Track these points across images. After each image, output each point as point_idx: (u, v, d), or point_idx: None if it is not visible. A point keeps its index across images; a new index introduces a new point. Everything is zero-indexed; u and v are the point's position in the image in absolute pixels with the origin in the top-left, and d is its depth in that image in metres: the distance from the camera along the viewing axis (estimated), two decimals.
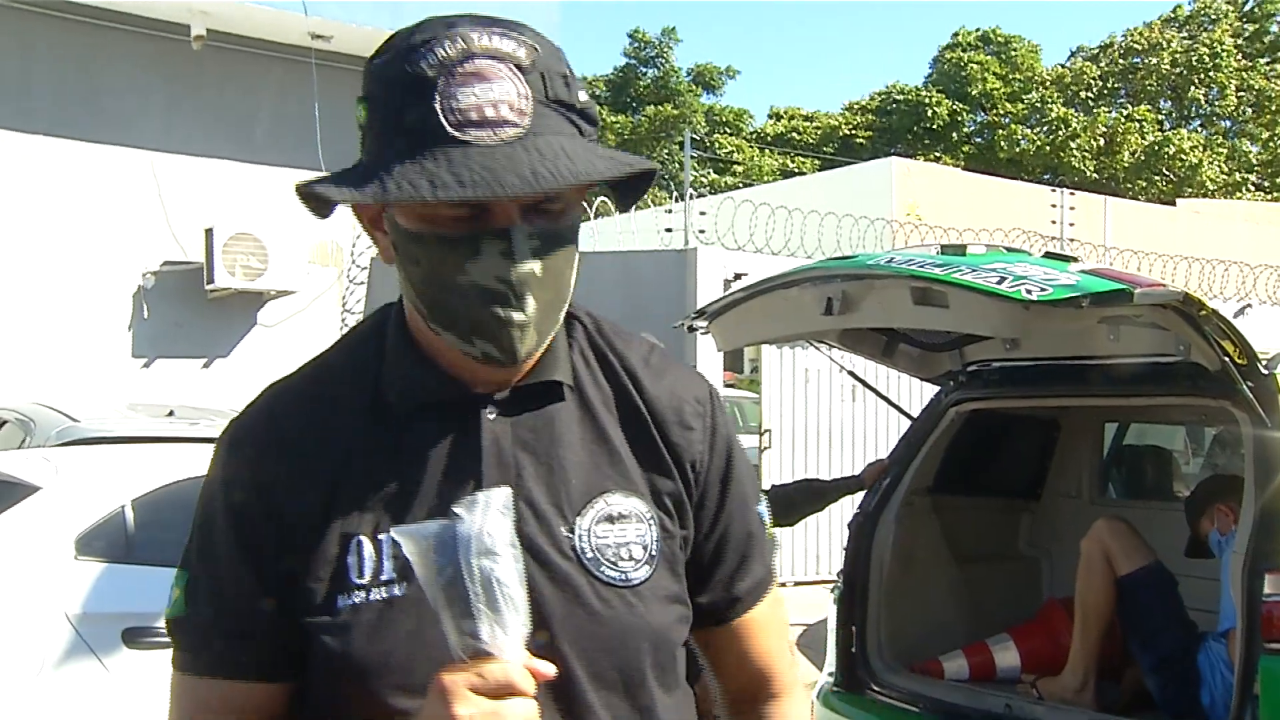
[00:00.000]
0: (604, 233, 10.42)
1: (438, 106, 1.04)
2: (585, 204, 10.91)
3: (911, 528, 4.34)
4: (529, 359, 1.15)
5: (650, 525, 1.19)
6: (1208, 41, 26.97)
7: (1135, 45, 28.28)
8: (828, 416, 9.64)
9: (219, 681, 1.14)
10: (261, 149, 9.25)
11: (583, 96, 1.10)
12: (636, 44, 36.08)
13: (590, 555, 1.15)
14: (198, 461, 4.36)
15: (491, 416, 1.16)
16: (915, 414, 4.56)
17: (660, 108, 33.22)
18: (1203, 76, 26.96)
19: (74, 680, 3.58)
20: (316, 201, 1.12)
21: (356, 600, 1.10)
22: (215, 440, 1.21)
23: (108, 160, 8.70)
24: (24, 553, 3.73)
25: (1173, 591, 4.01)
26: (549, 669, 1.02)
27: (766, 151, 31.71)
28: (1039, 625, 4.45)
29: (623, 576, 1.16)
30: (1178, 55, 26.99)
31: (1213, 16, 28.26)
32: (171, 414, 6.25)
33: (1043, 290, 3.10)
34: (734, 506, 1.26)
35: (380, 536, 1.12)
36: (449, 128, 1.03)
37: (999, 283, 3.18)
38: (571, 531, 1.15)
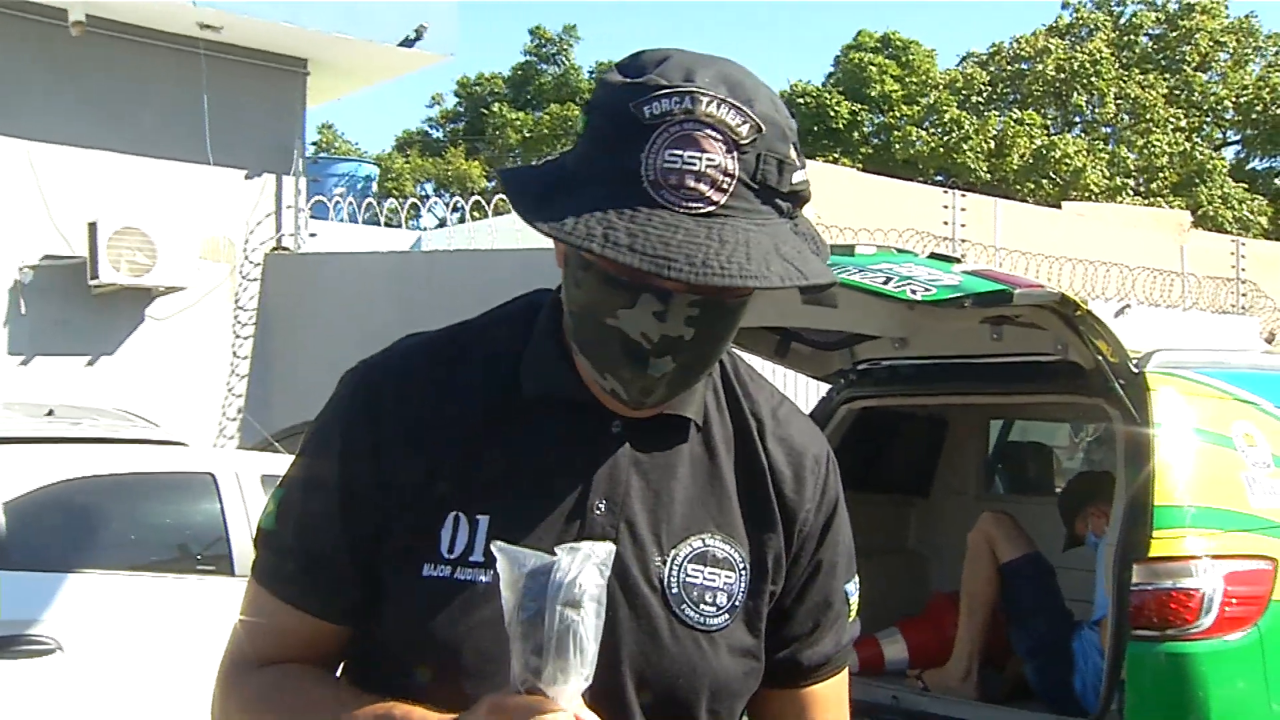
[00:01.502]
0: (502, 230, 10.37)
1: (644, 160, 1.02)
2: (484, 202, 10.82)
3: None
4: (655, 406, 1.14)
5: (741, 575, 1.19)
6: (1087, 50, 27.90)
7: (1022, 52, 29.12)
8: None
9: (284, 605, 1.17)
10: (148, 140, 8.98)
11: (797, 178, 1.07)
12: (537, 41, 35.92)
13: (675, 591, 1.15)
14: (78, 462, 4.23)
15: (616, 430, 1.16)
16: (809, 412, 4.64)
17: (562, 106, 33.13)
18: (1084, 84, 27.86)
19: None
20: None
21: (441, 574, 1.12)
22: (344, 374, 1.21)
23: None
24: None
25: (1050, 580, 4.16)
26: None
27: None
28: (926, 619, 4.56)
29: (701, 620, 1.16)
30: (1061, 62, 27.85)
31: (1090, 27, 29.26)
32: (51, 413, 6.02)
33: (926, 290, 3.18)
34: (822, 572, 1.25)
35: (478, 518, 1.13)
36: (645, 184, 1.01)
37: (885, 283, 3.25)
38: (664, 563, 1.16)
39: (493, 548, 1.02)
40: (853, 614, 1.31)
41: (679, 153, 1.02)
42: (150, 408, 7.23)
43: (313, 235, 9.88)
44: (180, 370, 8.87)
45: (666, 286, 1.04)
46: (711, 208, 1.02)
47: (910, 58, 30.04)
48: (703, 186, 1.01)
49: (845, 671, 1.32)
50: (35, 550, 3.77)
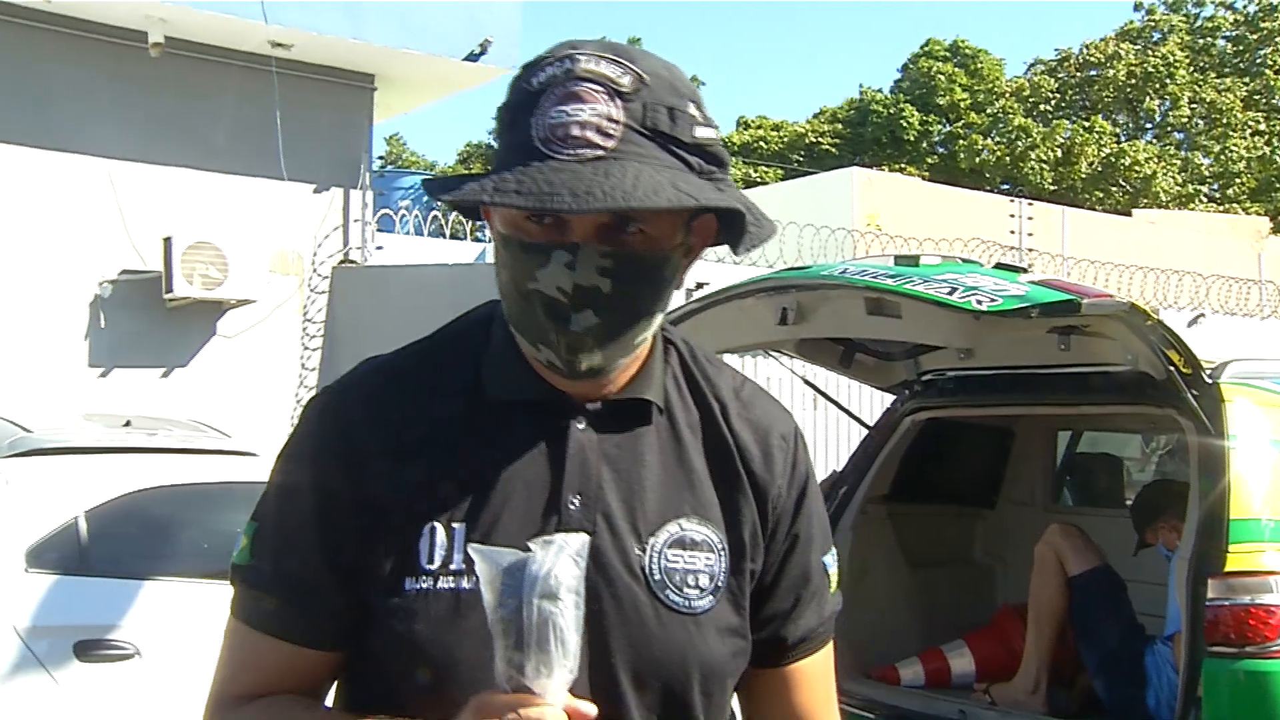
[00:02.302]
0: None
1: (533, 121, 1.07)
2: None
3: (867, 536, 4.39)
4: (599, 376, 1.16)
5: (720, 556, 1.20)
6: (1160, 54, 27.40)
7: (1091, 58, 28.68)
8: None
9: (267, 638, 1.16)
10: (221, 157, 9.18)
11: (701, 134, 1.11)
12: None
13: (657, 577, 1.17)
14: (155, 472, 4.33)
15: (581, 426, 1.18)
16: (872, 423, 4.61)
17: None
18: (1157, 88, 27.37)
19: (23, 694, 3.54)
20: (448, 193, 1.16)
21: (423, 586, 1.12)
22: (305, 404, 1.23)
23: (63, 168, 8.61)
24: None
25: (1120, 594, 4.08)
26: (590, 710, 1.03)
27: (730, 161, 31.70)
28: (993, 631, 4.50)
29: (686, 603, 1.17)
30: (1133, 68, 27.37)
31: (1164, 30, 28.73)
32: (128, 424, 6.18)
33: (992, 300, 3.15)
34: (799, 547, 1.26)
35: (454, 526, 1.13)
36: (536, 141, 1.07)
37: (950, 293, 3.22)
38: (643, 551, 1.17)
39: (470, 550, 1.04)
40: (833, 587, 1.32)
41: (563, 108, 1.07)
42: (221, 418, 7.38)
43: (379, 248, 10.03)
44: (250, 381, 9.05)
45: (576, 239, 1.08)
46: (600, 152, 1.05)
47: (979, 66, 29.73)
48: (589, 134, 1.06)
49: (830, 645, 1.32)
50: (114, 557, 3.87)
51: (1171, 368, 3.39)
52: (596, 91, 1.07)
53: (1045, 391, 4.05)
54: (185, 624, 3.81)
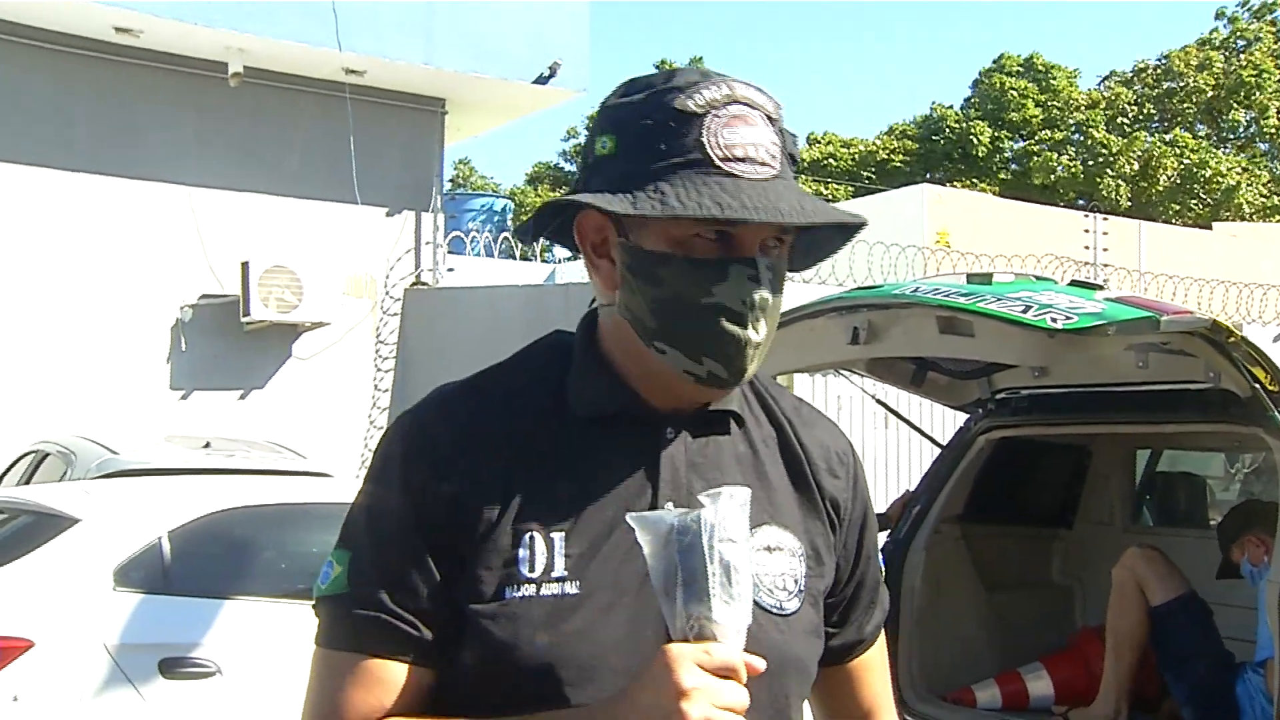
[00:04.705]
0: None
1: (705, 140, 1.13)
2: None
3: (942, 556, 4.33)
4: (739, 384, 1.21)
5: (801, 560, 1.25)
6: (1247, 62, 26.78)
7: (1172, 68, 28.13)
8: (860, 443, 9.61)
9: (374, 660, 1.15)
10: (296, 182, 9.39)
11: (794, 151, 1.21)
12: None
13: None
14: (233, 493, 4.43)
15: (670, 436, 1.22)
16: (945, 442, 4.56)
17: None
18: (1242, 98, 26.75)
19: (112, 710, 3.64)
20: (564, 214, 1.21)
21: (526, 593, 1.13)
22: (386, 429, 1.25)
23: (146, 196, 8.87)
24: (64, 584, 3.79)
25: (1207, 621, 3.97)
26: (760, 663, 1.06)
27: (800, 178, 31.63)
28: (1072, 654, 4.41)
29: (778, 605, 1.21)
30: (1219, 77, 26.79)
31: (1249, 39, 28.10)
32: (208, 446, 6.33)
33: (1068, 319, 3.10)
34: (868, 554, 1.35)
35: (553, 535, 1.15)
36: (718, 160, 1.13)
37: (1024, 311, 3.18)
38: None
39: (629, 519, 1.06)
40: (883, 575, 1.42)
41: (735, 130, 1.13)
42: (297, 440, 7.53)
43: (450, 270, 10.16)
44: (324, 403, 9.21)
45: (748, 253, 1.15)
46: (773, 170, 1.15)
47: (1052, 80, 29.32)
48: (763, 156, 1.14)
49: (883, 634, 1.41)
50: (195, 577, 3.96)
51: (1257, 385, 3.30)
52: (757, 116, 1.15)
53: (1123, 409, 3.97)
54: (263, 643, 3.88)
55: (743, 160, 1.12)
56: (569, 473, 1.18)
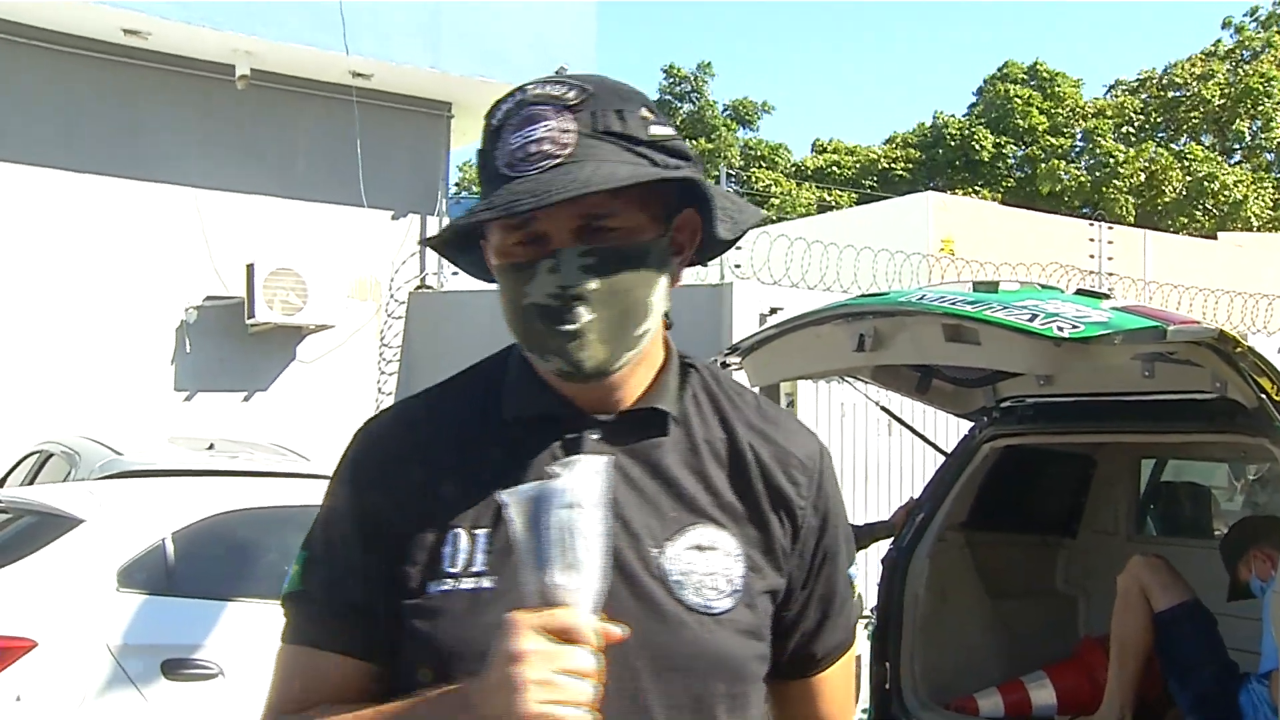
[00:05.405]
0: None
1: (497, 152, 1.19)
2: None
3: (945, 564, 4.32)
4: (607, 373, 1.22)
5: (738, 561, 1.24)
6: (1254, 72, 26.74)
7: (1178, 78, 28.10)
8: (864, 451, 9.59)
9: (322, 653, 1.23)
10: (302, 185, 9.40)
11: (656, 130, 1.20)
12: (671, 79, 36.29)
13: (675, 578, 1.21)
14: (237, 495, 4.43)
15: (595, 437, 1.24)
16: (949, 449, 4.55)
17: (695, 142, 33.37)
18: (1248, 108, 26.72)
19: (114, 711, 3.63)
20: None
21: (446, 587, 1.19)
22: (351, 436, 1.32)
23: (152, 197, 8.87)
24: (67, 584, 3.79)
25: (1212, 629, 3.96)
26: (618, 631, 1.07)
27: (803, 185, 31.73)
28: (1075, 663, 4.41)
29: (704, 603, 1.21)
30: (1225, 87, 26.75)
31: (1255, 49, 28.07)
32: (212, 447, 6.33)
33: (1074, 327, 3.10)
34: (826, 565, 1.31)
35: (477, 532, 1.20)
36: (502, 168, 1.17)
37: (1030, 320, 3.18)
38: (660, 553, 1.21)
39: (500, 496, 1.10)
40: (855, 594, 1.37)
41: (520, 133, 1.17)
42: (300, 442, 7.52)
43: (454, 274, 10.13)
44: (328, 405, 9.20)
45: (555, 248, 1.17)
46: (558, 160, 1.15)
47: (1057, 88, 29.29)
48: (545, 147, 1.16)
49: (852, 651, 1.38)
50: (198, 578, 3.96)
51: (1263, 395, 3.29)
52: (547, 111, 1.17)
53: (1128, 419, 3.96)
54: (266, 645, 3.87)
55: (524, 160, 1.16)
56: (497, 474, 1.20)
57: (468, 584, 1.18)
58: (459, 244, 1.28)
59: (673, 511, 1.23)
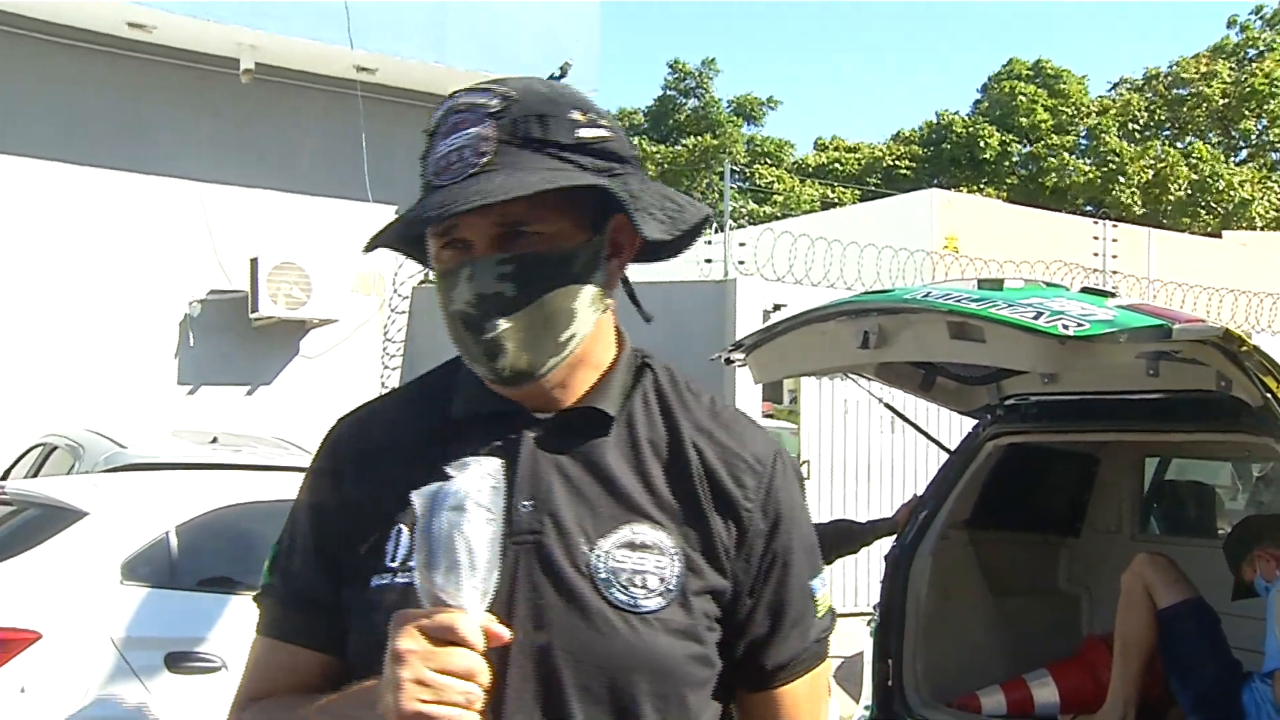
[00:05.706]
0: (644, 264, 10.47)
1: (427, 160, 1.22)
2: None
3: (948, 561, 4.32)
4: (530, 378, 1.23)
5: (674, 560, 1.22)
6: (1259, 71, 26.69)
7: (1184, 76, 28.05)
8: (866, 448, 9.60)
9: (284, 644, 1.28)
10: (306, 180, 9.40)
11: (584, 134, 1.21)
12: (676, 75, 36.28)
13: (603, 575, 1.20)
14: (240, 488, 4.43)
15: (534, 434, 1.25)
16: (953, 447, 4.55)
17: (700, 138, 33.32)
18: (1254, 106, 26.68)
19: (118, 704, 3.64)
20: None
21: (384, 581, 1.22)
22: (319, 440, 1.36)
23: (156, 191, 8.88)
24: (71, 577, 3.80)
25: (1215, 627, 3.96)
26: (505, 633, 1.09)
27: (807, 182, 31.71)
28: (1078, 662, 4.40)
29: (631, 602, 1.19)
30: (1228, 86, 26.71)
31: (1260, 49, 28.01)
32: (215, 441, 6.34)
33: (1079, 326, 3.09)
34: (775, 570, 1.27)
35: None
36: (429, 176, 1.21)
37: (1035, 318, 3.17)
38: (590, 550, 1.21)
39: (412, 494, 1.11)
40: (820, 610, 1.32)
41: (444, 142, 1.20)
42: (304, 436, 7.53)
43: None
44: (331, 400, 9.20)
45: (475, 255, 1.19)
46: (474, 169, 1.17)
47: (1062, 86, 29.25)
48: (465, 155, 1.18)
49: (820, 667, 1.33)
50: (202, 571, 3.97)
51: (1269, 394, 3.29)
52: (467, 118, 1.19)
53: (1132, 417, 3.96)
54: None
55: (445, 169, 1.19)
56: (440, 471, 1.20)
57: (402, 578, 1.19)
58: (421, 246, 1.29)
59: (608, 509, 1.22)
